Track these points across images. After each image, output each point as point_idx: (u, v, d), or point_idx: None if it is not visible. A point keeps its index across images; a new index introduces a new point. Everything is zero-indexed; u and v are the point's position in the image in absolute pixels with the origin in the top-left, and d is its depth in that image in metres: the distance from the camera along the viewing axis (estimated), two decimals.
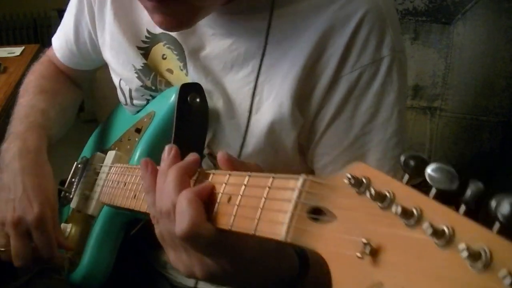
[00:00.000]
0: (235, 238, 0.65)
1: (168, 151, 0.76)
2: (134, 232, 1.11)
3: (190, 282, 1.14)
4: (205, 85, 1.01)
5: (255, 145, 0.98)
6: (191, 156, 0.74)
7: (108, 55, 1.17)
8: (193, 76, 1.03)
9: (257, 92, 0.97)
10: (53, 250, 1.05)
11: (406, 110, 0.97)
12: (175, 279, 1.19)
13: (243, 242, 0.66)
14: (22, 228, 1.03)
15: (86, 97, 3.99)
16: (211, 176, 0.71)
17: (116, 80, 1.18)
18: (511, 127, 1.30)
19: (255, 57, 0.97)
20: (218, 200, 0.67)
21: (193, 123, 1.02)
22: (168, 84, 1.09)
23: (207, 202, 0.68)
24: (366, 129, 0.94)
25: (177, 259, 0.74)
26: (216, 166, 1.04)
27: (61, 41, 1.33)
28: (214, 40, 1.01)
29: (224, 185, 0.67)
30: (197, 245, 0.68)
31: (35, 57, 1.40)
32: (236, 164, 0.70)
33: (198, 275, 0.72)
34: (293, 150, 0.99)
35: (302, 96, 0.94)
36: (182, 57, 1.05)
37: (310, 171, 1.03)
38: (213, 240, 0.66)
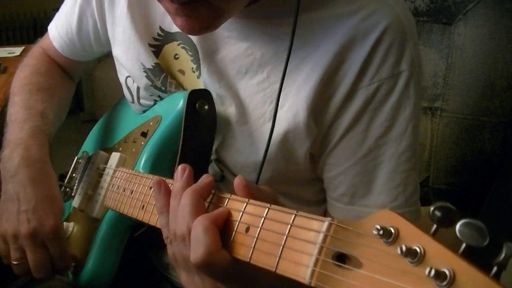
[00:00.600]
0: (250, 267, 0.65)
1: (182, 172, 0.75)
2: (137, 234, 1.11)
3: None
4: (218, 89, 1.00)
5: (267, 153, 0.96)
6: (206, 179, 0.73)
7: (118, 50, 1.13)
8: (205, 79, 1.02)
9: (271, 99, 0.95)
10: (68, 259, 1.06)
11: (419, 125, 0.97)
12: (177, 281, 1.19)
13: (258, 271, 0.65)
14: (39, 240, 1.02)
15: (86, 97, 4.00)
16: (226, 200, 0.71)
17: (122, 77, 1.15)
18: None
19: (271, 63, 0.96)
20: (235, 229, 0.67)
21: (201, 131, 1.01)
22: (179, 86, 1.07)
23: (223, 229, 0.68)
24: (380, 142, 0.94)
25: (189, 281, 0.74)
26: (223, 172, 1.05)
27: (60, 30, 1.28)
28: (229, 43, 0.99)
29: (241, 213, 0.67)
30: (212, 273, 0.68)
31: None
32: (253, 191, 0.69)
33: None
34: (305, 159, 0.98)
35: (318, 106, 0.93)
36: (196, 59, 1.03)
37: (319, 179, 1.03)
38: (229, 269, 0.66)
